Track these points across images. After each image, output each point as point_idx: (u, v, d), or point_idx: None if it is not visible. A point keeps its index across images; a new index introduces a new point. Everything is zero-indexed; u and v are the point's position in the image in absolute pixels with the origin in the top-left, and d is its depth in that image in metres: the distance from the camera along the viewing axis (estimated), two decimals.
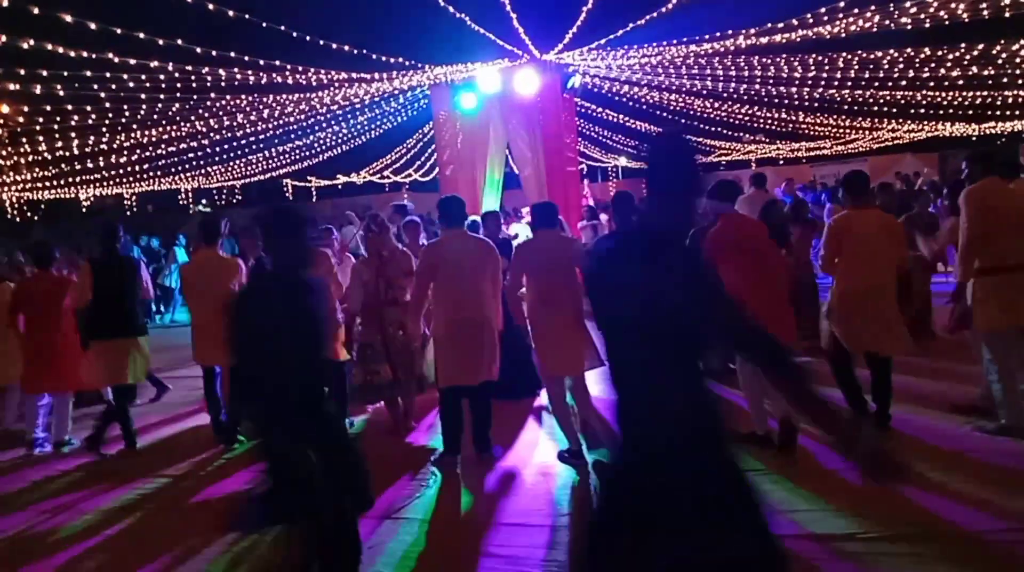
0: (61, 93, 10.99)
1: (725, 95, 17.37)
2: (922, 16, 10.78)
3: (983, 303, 5.41)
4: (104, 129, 14.05)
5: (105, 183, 21.26)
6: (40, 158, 16.37)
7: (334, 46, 10.75)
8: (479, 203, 13.82)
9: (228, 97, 12.88)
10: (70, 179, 19.73)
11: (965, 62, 13.81)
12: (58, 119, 12.95)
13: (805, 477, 4.89)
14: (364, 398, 6.72)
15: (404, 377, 6.52)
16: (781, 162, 31.37)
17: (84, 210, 25.07)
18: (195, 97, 12.49)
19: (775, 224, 7.32)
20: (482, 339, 5.69)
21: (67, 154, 15.91)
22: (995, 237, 5.32)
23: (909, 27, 11.34)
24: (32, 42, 8.86)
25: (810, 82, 15.30)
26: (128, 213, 25.82)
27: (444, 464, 5.67)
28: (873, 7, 10.45)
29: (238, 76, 11.23)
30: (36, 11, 7.84)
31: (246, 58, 10.64)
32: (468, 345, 5.63)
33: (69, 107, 12.26)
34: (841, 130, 23.42)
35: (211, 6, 8.46)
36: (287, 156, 21.01)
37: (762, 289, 5.19)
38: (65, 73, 10.36)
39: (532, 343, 6.05)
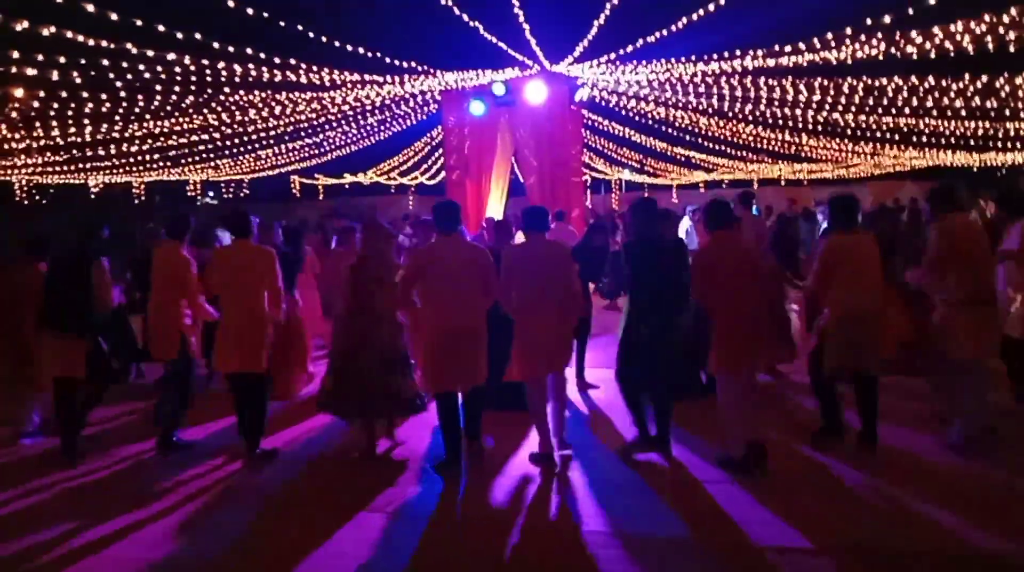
0: (78, 80, 11.14)
1: (730, 114, 17.54)
2: (927, 46, 10.93)
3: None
4: (117, 117, 14.21)
5: (115, 171, 21.42)
6: (52, 143, 16.52)
7: (348, 48, 10.92)
8: (484, 208, 14.04)
9: (242, 92, 13.05)
10: (80, 165, 19.89)
11: (968, 93, 13.99)
12: (72, 105, 13.09)
13: (770, 493, 5.04)
14: (327, 408, 6.26)
15: (369, 396, 5.98)
16: (783, 183, 31.56)
17: (92, 196, 25.17)
18: (209, 91, 12.66)
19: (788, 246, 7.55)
20: (473, 347, 5.72)
21: (79, 140, 16.09)
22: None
23: (914, 56, 11.48)
24: (53, 29, 9.03)
25: (815, 105, 15.47)
26: (136, 202, 25.98)
27: (445, 473, 5.62)
28: (880, 35, 10.61)
29: (253, 72, 11.38)
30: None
31: (262, 55, 10.82)
32: (460, 353, 5.65)
33: (84, 94, 12.42)
34: (843, 154, 23.58)
35: (231, 3, 8.62)
36: (296, 153, 21.16)
37: (734, 307, 5.48)
38: (83, 60, 10.51)
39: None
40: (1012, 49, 10.89)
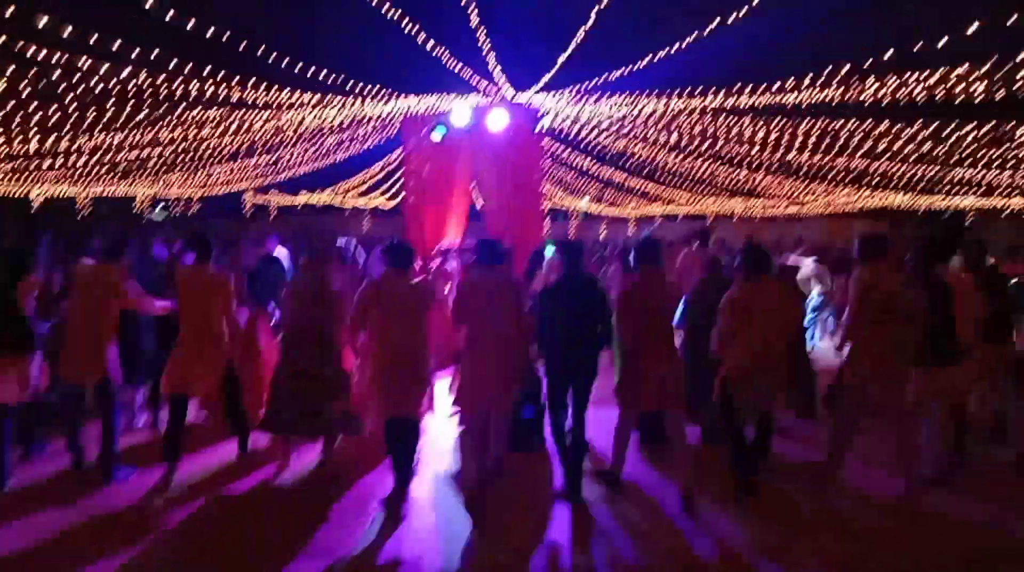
0: (26, 91, 10.81)
1: (689, 150, 17.77)
2: (880, 94, 11.24)
3: None
4: (66, 129, 13.77)
5: (60, 182, 20.78)
6: None
7: (310, 72, 10.78)
8: (443, 233, 13.91)
9: (198, 109, 12.77)
10: (23, 175, 19.25)
11: (918, 139, 14.42)
12: (19, 116, 12.67)
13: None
14: (268, 427, 6.43)
15: (301, 415, 6.18)
16: (736, 218, 32.19)
17: (32, 210, 24.36)
18: (164, 106, 12.36)
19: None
20: (414, 375, 5.93)
21: (24, 150, 15.56)
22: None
23: (867, 103, 11.79)
24: (3, 38, 8.73)
25: (771, 145, 15.75)
26: (79, 217, 25.20)
27: (393, 502, 5.74)
28: (836, 81, 10.86)
29: (209, 90, 11.15)
30: (11, 11, 7.72)
31: (220, 74, 10.60)
32: (400, 381, 5.85)
33: (33, 105, 12.02)
34: (797, 192, 24.13)
35: (191, 22, 8.44)
36: (250, 171, 20.78)
37: (651, 343, 5.73)
38: (33, 71, 10.19)
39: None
40: (959, 100, 11.25)
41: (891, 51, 8.98)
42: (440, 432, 7.36)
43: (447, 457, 6.81)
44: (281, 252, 12.93)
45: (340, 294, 6.43)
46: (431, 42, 10.88)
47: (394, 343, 5.87)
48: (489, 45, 11.00)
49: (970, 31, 7.96)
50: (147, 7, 7.95)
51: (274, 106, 12.44)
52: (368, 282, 6.34)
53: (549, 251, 9.10)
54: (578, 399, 5.94)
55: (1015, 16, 7.46)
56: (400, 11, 10.07)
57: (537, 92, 12.95)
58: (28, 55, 9.19)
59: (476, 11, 9.88)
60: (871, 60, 9.42)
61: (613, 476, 6.08)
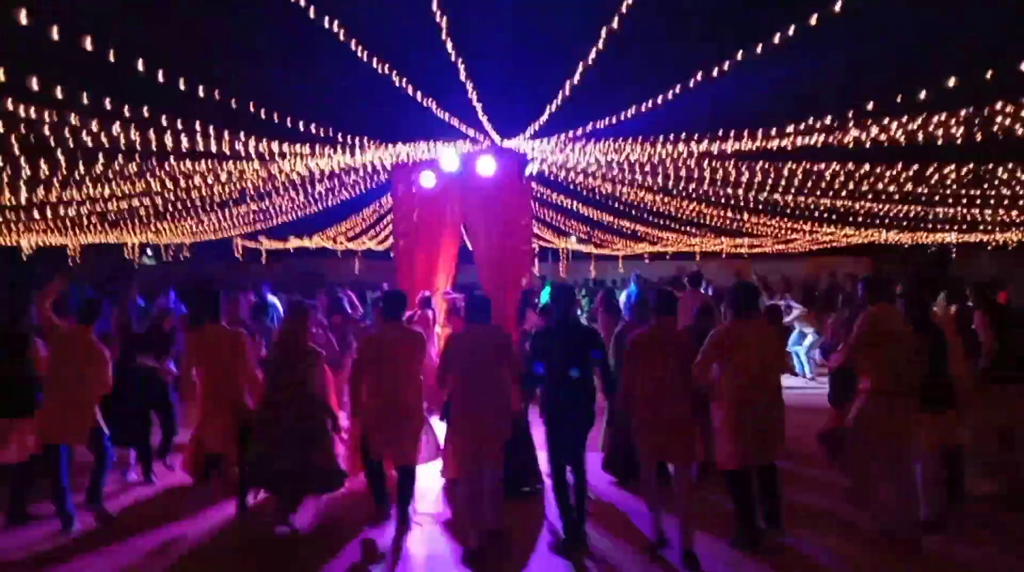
0: (16, 147, 10.86)
1: (675, 192, 17.92)
2: (863, 137, 11.43)
3: None
4: (55, 181, 13.79)
5: (49, 233, 20.73)
6: None
7: (301, 126, 10.89)
8: (434, 278, 13.93)
9: (187, 161, 12.84)
10: (13, 227, 19.21)
11: (901, 179, 14.63)
12: (7, 171, 12.70)
13: None
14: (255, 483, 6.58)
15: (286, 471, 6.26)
16: (724, 256, 32.47)
17: (24, 258, 24.34)
18: (154, 160, 12.43)
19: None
20: (408, 424, 6.17)
21: (13, 203, 15.57)
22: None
23: (851, 145, 11.98)
24: None
25: (756, 186, 15.92)
26: (71, 264, 25.13)
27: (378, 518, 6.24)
28: (818, 126, 11.05)
29: (200, 145, 11.23)
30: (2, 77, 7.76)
31: (211, 128, 10.69)
32: (394, 429, 6.10)
33: (22, 160, 12.05)
34: (783, 230, 24.36)
35: (182, 85, 8.53)
36: (241, 218, 20.78)
37: (663, 393, 5.73)
38: (22, 128, 10.25)
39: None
40: (940, 143, 11.46)
41: (871, 104, 9.16)
42: (434, 484, 7.35)
43: (442, 509, 6.80)
44: (274, 300, 12.95)
45: (318, 350, 6.56)
46: (419, 94, 11.01)
47: (386, 390, 6.03)
48: (477, 96, 11.15)
49: (950, 84, 8.14)
50: (140, 70, 8.01)
51: (265, 157, 12.50)
52: (361, 337, 6.51)
53: (546, 292, 9.22)
54: (576, 443, 5.95)
55: (989, 72, 7.64)
56: (389, 65, 10.21)
57: (524, 139, 13.09)
58: (20, 114, 9.23)
59: (464, 67, 10.04)
60: (852, 111, 9.61)
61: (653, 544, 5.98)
